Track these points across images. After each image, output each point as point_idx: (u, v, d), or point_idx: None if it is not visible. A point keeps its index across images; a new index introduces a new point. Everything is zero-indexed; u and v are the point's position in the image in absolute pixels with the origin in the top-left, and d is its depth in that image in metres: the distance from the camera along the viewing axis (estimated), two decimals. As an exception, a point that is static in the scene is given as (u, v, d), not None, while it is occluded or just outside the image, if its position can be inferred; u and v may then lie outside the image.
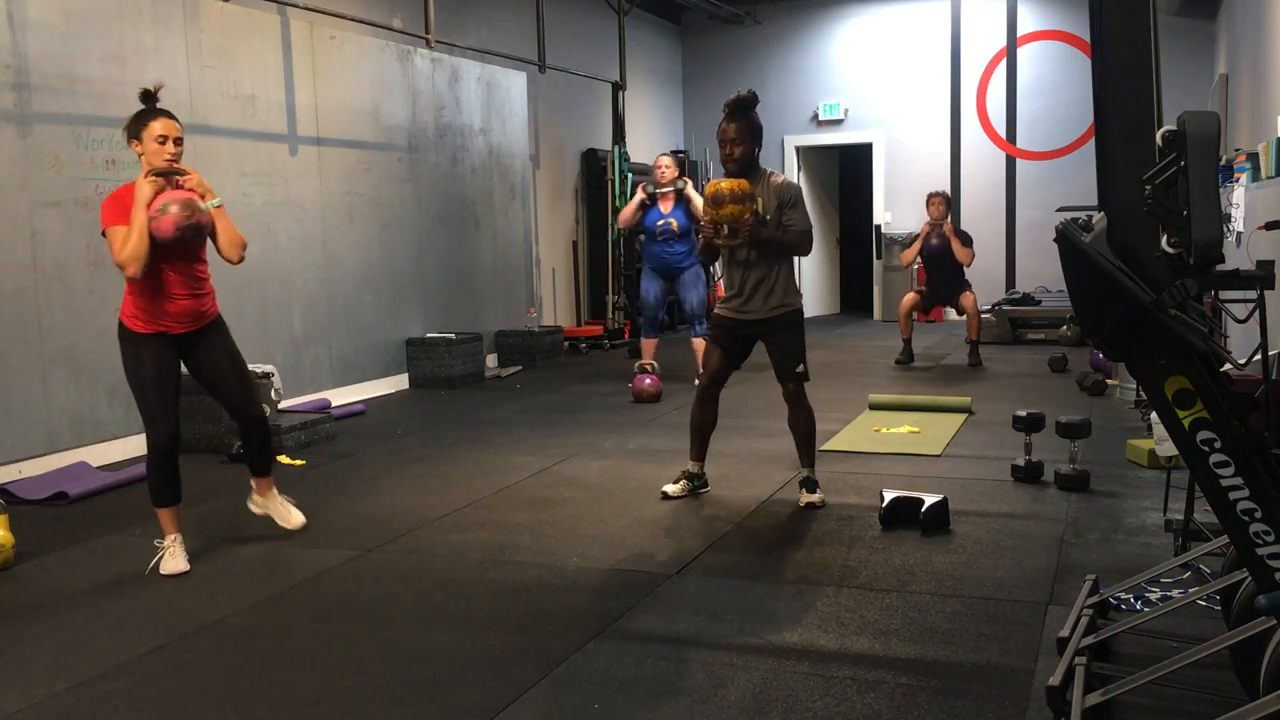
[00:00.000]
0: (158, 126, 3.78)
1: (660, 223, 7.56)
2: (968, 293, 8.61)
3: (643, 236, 8.01)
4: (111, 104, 5.70)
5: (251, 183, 6.66)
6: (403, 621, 3.34)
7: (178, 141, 3.81)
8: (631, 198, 7.63)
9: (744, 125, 4.45)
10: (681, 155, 12.56)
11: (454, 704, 2.75)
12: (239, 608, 3.50)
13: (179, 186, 3.82)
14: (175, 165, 3.80)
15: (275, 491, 4.32)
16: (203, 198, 3.84)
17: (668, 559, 3.86)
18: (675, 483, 4.75)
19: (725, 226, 4.36)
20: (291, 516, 4.32)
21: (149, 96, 3.85)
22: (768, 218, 4.43)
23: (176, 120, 3.84)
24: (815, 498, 4.51)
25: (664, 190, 7.52)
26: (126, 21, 5.81)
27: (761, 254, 4.44)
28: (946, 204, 8.72)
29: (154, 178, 3.75)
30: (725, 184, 4.34)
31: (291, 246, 7.00)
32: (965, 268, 8.63)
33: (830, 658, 2.97)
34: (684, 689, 2.79)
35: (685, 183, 7.56)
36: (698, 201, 7.19)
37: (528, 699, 2.76)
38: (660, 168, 7.57)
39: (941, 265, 8.65)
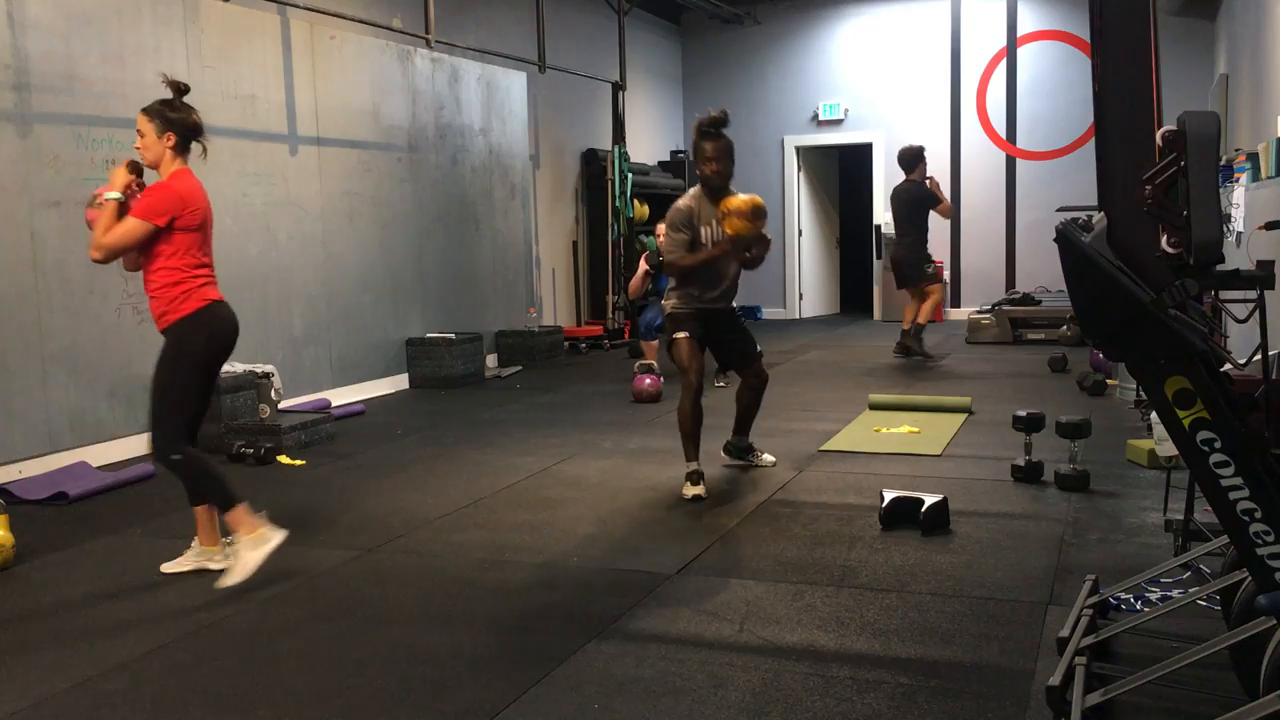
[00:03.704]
0: None
1: None
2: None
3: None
4: (111, 104, 5.70)
5: (251, 183, 6.66)
6: (403, 621, 3.34)
7: (140, 134, 3.74)
8: (639, 259, 7.80)
9: (725, 144, 4.70)
10: (682, 155, 12.58)
11: (454, 704, 2.75)
12: (239, 608, 3.50)
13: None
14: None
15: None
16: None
17: (668, 559, 3.86)
18: (695, 485, 4.68)
19: (748, 240, 4.70)
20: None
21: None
22: None
23: (144, 111, 3.73)
24: (772, 458, 5.13)
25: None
26: (126, 21, 5.81)
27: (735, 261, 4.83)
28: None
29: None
30: (758, 199, 4.69)
31: (291, 246, 7.00)
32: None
33: (830, 658, 2.97)
34: (684, 689, 2.79)
35: None
36: None
37: (528, 699, 2.76)
38: (661, 236, 7.65)
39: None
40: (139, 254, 3.72)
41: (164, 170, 3.74)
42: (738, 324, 4.96)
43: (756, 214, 4.60)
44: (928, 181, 8.99)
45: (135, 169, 3.74)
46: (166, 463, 3.72)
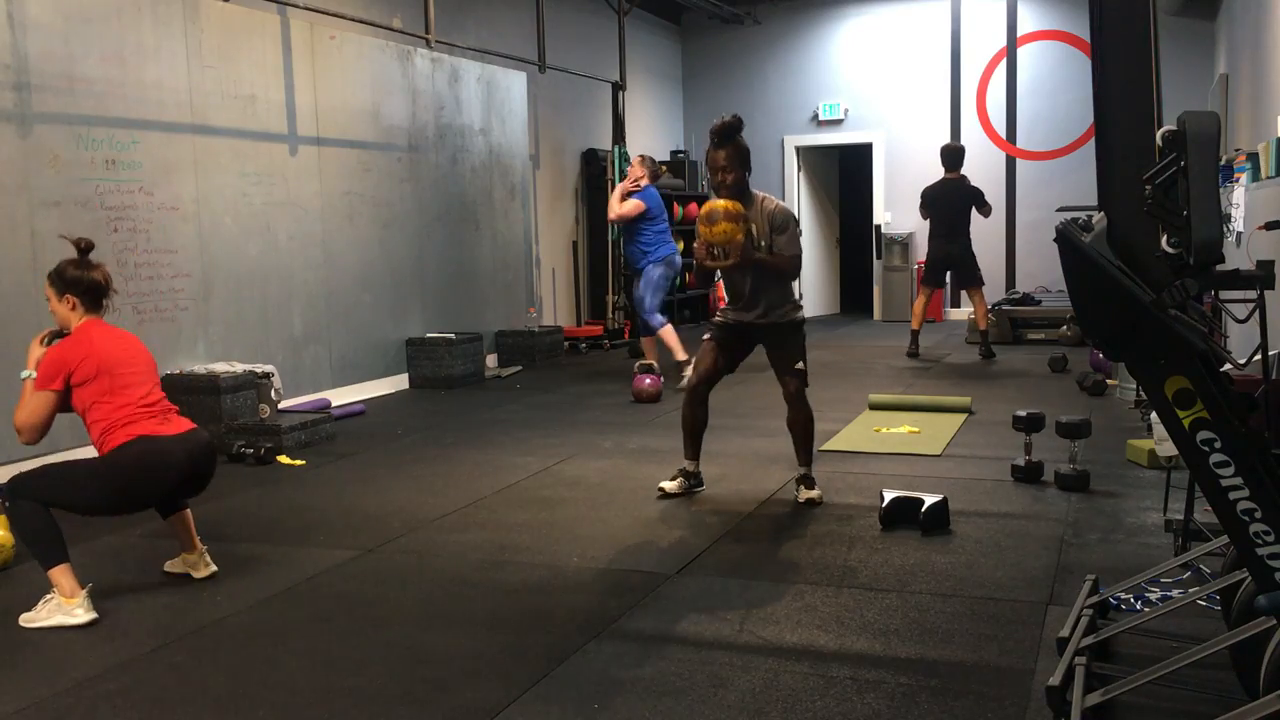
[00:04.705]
0: None
1: None
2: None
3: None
4: (111, 104, 5.70)
5: (251, 183, 6.66)
6: (403, 621, 3.34)
7: (48, 299, 3.65)
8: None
9: (733, 151, 4.46)
10: (682, 155, 12.59)
11: (454, 704, 2.75)
12: (239, 608, 3.50)
13: None
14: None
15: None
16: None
17: (668, 559, 3.86)
18: (673, 480, 4.76)
19: (717, 248, 4.39)
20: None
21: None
22: (762, 243, 4.48)
23: (47, 276, 3.65)
24: (814, 493, 4.55)
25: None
26: (126, 21, 5.81)
27: (756, 272, 4.51)
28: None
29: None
30: (720, 203, 4.39)
31: (291, 246, 7.00)
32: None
33: (830, 658, 2.97)
34: (684, 689, 2.79)
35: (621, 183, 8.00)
36: (613, 202, 7.90)
37: (528, 699, 2.76)
38: (631, 166, 8.01)
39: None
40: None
41: (72, 330, 3.64)
42: (778, 341, 4.59)
43: (706, 218, 4.37)
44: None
45: (51, 339, 3.66)
46: (11, 501, 3.52)
